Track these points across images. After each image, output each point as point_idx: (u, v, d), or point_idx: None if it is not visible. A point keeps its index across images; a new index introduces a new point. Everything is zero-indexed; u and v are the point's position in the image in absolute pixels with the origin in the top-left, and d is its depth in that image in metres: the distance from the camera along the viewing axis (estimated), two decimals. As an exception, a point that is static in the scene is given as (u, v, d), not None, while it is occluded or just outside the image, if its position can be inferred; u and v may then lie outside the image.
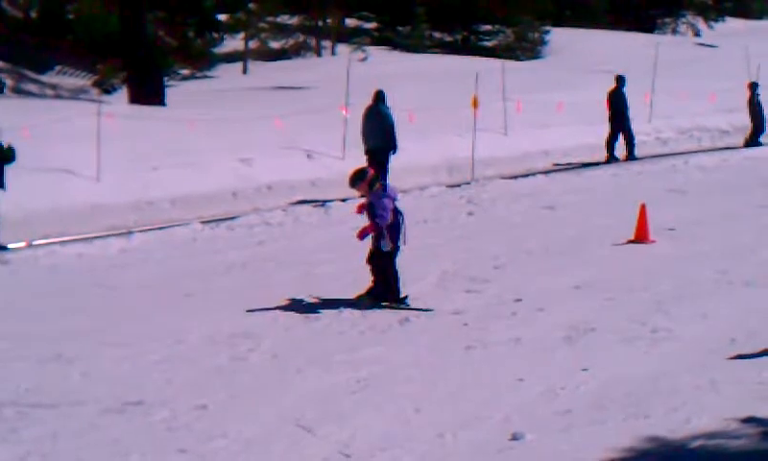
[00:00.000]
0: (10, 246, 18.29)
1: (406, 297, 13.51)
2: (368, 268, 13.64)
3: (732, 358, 10.89)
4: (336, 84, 29.38)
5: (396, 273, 13.53)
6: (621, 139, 28.32)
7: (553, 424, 9.18)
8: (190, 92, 39.99)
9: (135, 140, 24.44)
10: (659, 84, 33.23)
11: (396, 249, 13.55)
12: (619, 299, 13.46)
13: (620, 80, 28.61)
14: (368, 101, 23.08)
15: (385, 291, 13.50)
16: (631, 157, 28.13)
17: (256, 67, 48.37)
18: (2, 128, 19.14)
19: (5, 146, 18.44)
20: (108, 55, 42.04)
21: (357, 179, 13.77)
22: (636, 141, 28.51)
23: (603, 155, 28.22)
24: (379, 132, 22.61)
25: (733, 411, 9.20)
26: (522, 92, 32.13)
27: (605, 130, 28.74)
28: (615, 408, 9.45)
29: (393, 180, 14.12)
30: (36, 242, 18.54)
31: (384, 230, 13.41)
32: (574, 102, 32.99)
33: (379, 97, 23.00)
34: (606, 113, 28.41)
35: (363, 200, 13.82)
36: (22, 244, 18.31)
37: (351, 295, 13.65)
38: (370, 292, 13.60)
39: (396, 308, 13.25)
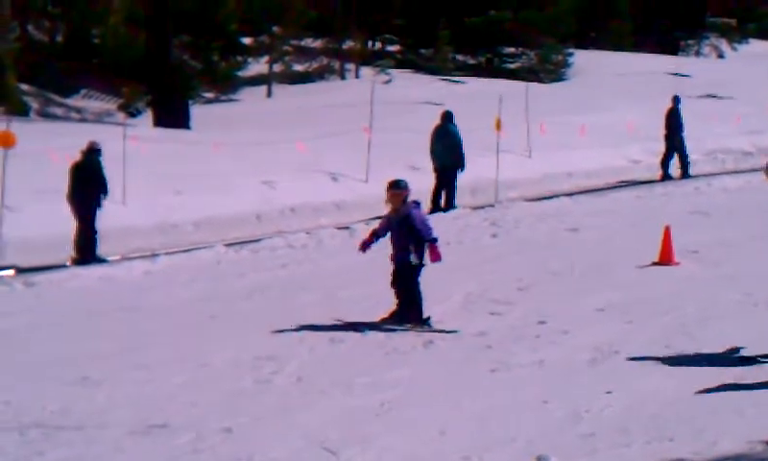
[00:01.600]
0: (109, 258, 18.76)
1: (429, 318, 13.52)
2: (392, 291, 13.66)
3: (756, 381, 10.84)
4: (360, 107, 29.44)
5: (420, 292, 13.53)
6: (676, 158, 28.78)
7: (577, 447, 9.16)
8: (215, 115, 40.13)
9: (160, 163, 24.55)
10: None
11: (420, 266, 13.55)
12: (643, 321, 13.43)
13: (676, 99, 29.07)
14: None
15: (409, 310, 13.48)
16: (685, 175, 28.49)
17: (280, 90, 48.51)
18: (101, 149, 19.48)
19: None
20: (133, 78, 42.24)
21: (396, 186, 13.67)
22: (690, 160, 28.75)
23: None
24: (448, 150, 23.59)
25: (759, 434, 9.17)
26: (546, 114, 32.17)
27: (630, 150, 28.75)
28: (640, 431, 9.43)
29: (420, 200, 14.10)
30: (60, 264, 18.63)
31: (411, 245, 13.42)
32: (598, 124, 33.02)
33: (447, 117, 24.12)
34: (662, 132, 28.79)
35: (366, 236, 13.83)
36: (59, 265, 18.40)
37: (375, 318, 13.66)
38: (394, 315, 13.60)
39: (419, 330, 13.25)
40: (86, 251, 18.99)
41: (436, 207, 23.63)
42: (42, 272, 18.00)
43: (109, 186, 19.54)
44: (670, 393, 10.45)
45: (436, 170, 23.96)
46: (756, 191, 25.56)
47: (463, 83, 46.29)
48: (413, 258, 13.45)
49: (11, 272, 18.18)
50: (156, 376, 11.46)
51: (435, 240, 13.46)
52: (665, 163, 28.58)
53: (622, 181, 28.55)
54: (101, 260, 18.83)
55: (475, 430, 9.59)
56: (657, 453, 8.88)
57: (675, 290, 15.10)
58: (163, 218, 21.53)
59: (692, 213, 21.69)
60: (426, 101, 38.94)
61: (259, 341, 12.83)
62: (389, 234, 13.70)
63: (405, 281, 13.55)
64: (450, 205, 23.88)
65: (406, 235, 13.47)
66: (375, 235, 13.82)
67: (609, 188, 27.14)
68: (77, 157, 19.50)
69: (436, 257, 13.48)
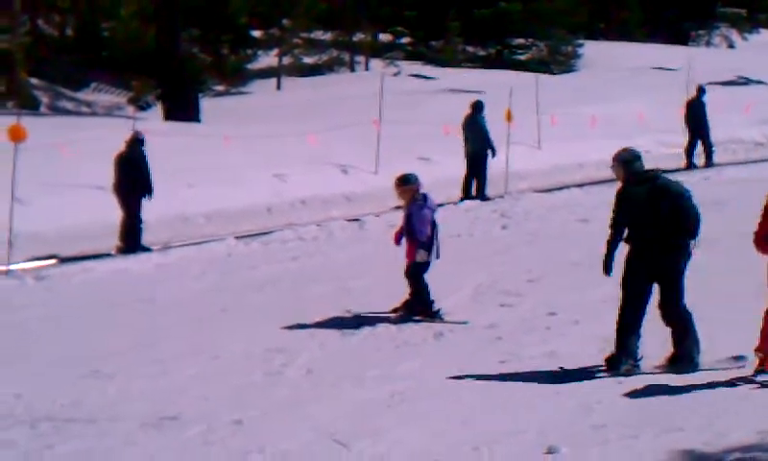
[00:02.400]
0: (153, 248, 19.09)
1: (439, 310, 13.52)
2: (406, 281, 13.68)
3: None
4: (370, 99, 29.43)
5: (426, 286, 13.55)
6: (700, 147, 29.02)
7: (588, 438, 9.16)
8: (225, 108, 40.15)
9: (170, 157, 24.54)
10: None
11: (427, 263, 13.58)
12: (654, 312, 13.39)
13: (700, 90, 29.26)
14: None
15: (418, 304, 13.53)
16: (709, 163, 28.75)
17: (290, 83, 48.50)
18: (144, 139, 19.74)
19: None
20: (142, 72, 42.29)
21: (406, 181, 13.74)
22: (714, 149, 28.91)
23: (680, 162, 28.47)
24: (476, 139, 24.06)
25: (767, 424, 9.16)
26: (556, 105, 32.11)
27: (640, 141, 28.61)
28: (650, 422, 9.42)
29: (430, 191, 14.11)
30: (71, 258, 18.65)
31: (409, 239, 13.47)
32: (608, 115, 32.94)
33: (475, 107, 24.67)
34: (683, 122, 29.03)
35: (398, 226, 13.86)
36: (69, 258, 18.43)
37: (386, 309, 13.67)
38: (406, 304, 13.63)
39: (430, 321, 13.26)
40: (131, 239, 19.29)
41: (467, 195, 24.10)
42: (85, 261, 18.14)
43: (151, 177, 19.71)
44: (681, 383, 10.44)
45: (467, 156, 24.54)
46: (766, 182, 25.50)
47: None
48: (418, 256, 13.48)
49: (52, 261, 18.38)
50: (168, 369, 11.49)
51: (421, 243, 13.47)
52: (690, 152, 28.84)
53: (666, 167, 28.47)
54: (145, 249, 19.09)
55: (486, 422, 9.59)
56: (667, 444, 8.88)
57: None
58: (174, 211, 21.54)
59: (702, 204, 21.58)
60: (437, 90, 38.97)
61: (270, 334, 12.85)
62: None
63: (411, 276, 13.59)
64: (481, 192, 24.26)
65: (407, 232, 13.55)
66: (400, 230, 13.92)
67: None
68: (121, 147, 19.74)
69: (410, 258, 13.52)
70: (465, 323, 13.21)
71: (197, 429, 9.54)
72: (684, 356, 11.01)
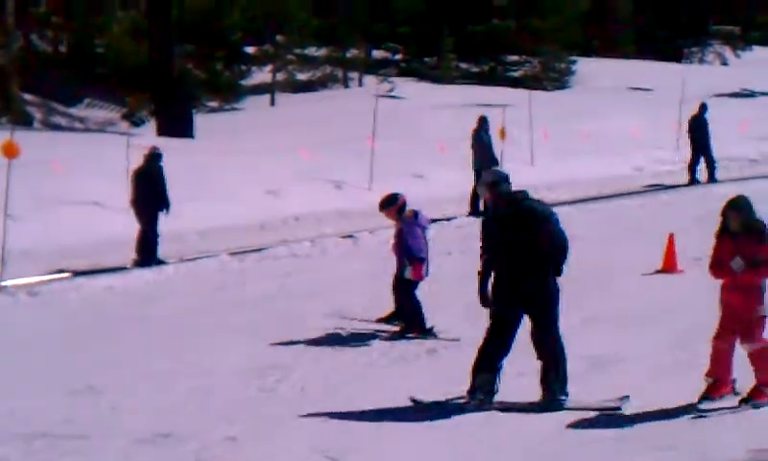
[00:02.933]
0: (169, 261, 19.27)
1: (432, 327, 13.52)
2: (392, 296, 13.71)
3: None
4: (363, 116, 29.47)
5: (418, 303, 13.57)
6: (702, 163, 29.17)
7: (579, 455, 9.17)
8: (218, 124, 40.17)
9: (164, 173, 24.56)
10: (686, 113, 33.14)
11: (417, 281, 13.58)
12: (647, 329, 13.44)
13: (703, 107, 29.44)
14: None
15: (411, 322, 13.52)
16: (712, 179, 28.92)
17: (284, 99, 48.56)
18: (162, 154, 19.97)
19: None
20: (136, 88, 42.30)
21: (387, 204, 13.81)
22: (717, 165, 29.07)
23: (682, 178, 28.63)
24: (480, 154, 24.67)
25: (761, 442, 9.17)
26: (549, 122, 32.16)
27: (634, 158, 28.75)
28: (643, 439, 9.44)
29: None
30: (64, 274, 18.64)
31: (407, 259, 13.49)
32: (601, 131, 33.02)
33: (480, 122, 25.17)
34: (687, 138, 29.24)
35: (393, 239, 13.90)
36: (62, 275, 18.41)
37: (379, 326, 13.69)
38: (389, 318, 13.66)
39: (423, 339, 13.28)
40: (147, 252, 19.45)
41: (475, 210, 24.36)
42: (99, 275, 18.19)
43: (168, 192, 19.97)
44: (674, 400, 10.46)
45: (474, 171, 24.85)
46: (761, 199, 25.54)
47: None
48: (407, 273, 13.51)
49: (66, 274, 18.44)
50: (161, 385, 11.48)
51: (420, 259, 13.51)
52: (693, 168, 29.05)
53: (649, 185, 28.50)
54: (160, 262, 19.24)
55: (479, 438, 9.60)
56: (659, 461, 8.90)
57: (679, 298, 15.10)
58: (167, 227, 21.51)
59: (697, 220, 21.65)
60: (432, 106, 39.03)
61: (263, 350, 12.86)
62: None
63: (402, 294, 13.60)
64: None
65: (401, 250, 13.56)
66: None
67: (612, 196, 27.11)
68: (139, 163, 19.97)
69: (416, 276, 13.55)
70: (456, 340, 13.21)
71: (191, 446, 9.53)
72: (547, 394, 10.30)
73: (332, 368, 12.16)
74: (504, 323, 10.40)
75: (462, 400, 10.46)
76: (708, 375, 10.25)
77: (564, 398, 10.27)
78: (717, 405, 10.13)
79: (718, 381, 10.24)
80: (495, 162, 24.51)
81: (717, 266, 10.36)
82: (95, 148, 26.08)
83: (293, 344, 13.09)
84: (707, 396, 10.17)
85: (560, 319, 10.37)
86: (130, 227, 21.46)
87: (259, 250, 20.28)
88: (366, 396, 10.99)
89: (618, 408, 10.17)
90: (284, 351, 12.83)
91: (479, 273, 10.43)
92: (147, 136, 32.84)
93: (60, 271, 18.74)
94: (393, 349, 12.91)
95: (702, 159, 28.98)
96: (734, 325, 10.21)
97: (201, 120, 39.16)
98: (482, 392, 10.34)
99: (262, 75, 50.97)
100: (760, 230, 10.17)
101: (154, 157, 19.90)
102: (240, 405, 10.79)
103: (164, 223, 19.91)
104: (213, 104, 47.41)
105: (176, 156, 26.34)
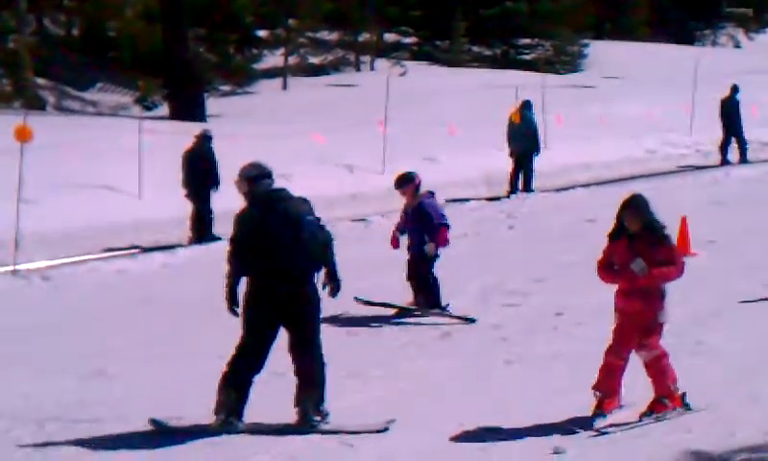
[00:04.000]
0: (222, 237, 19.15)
1: (448, 304, 13.54)
2: (408, 284, 13.70)
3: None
4: (375, 99, 29.43)
5: (436, 279, 13.59)
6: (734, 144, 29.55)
7: (595, 439, 9.15)
8: (230, 108, 40.15)
9: (176, 156, 24.53)
10: (699, 96, 33.07)
11: (435, 256, 13.62)
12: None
13: (734, 89, 29.66)
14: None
15: (426, 297, 13.54)
16: (743, 160, 29.29)
17: (296, 83, 48.50)
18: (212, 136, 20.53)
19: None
20: (148, 72, 42.27)
21: (405, 181, 13.82)
22: (748, 146, 29.23)
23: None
24: (524, 136, 24.85)
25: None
26: (562, 105, 32.08)
27: (647, 141, 28.67)
28: (657, 423, 9.41)
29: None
30: (77, 258, 18.64)
31: (426, 235, 13.51)
32: (614, 114, 32.94)
33: (525, 105, 25.33)
34: (719, 120, 29.40)
35: (395, 227, 13.88)
36: (68, 260, 18.42)
37: (391, 310, 13.68)
38: (410, 306, 13.63)
39: (438, 316, 13.26)
40: (203, 230, 20.01)
41: (514, 190, 24.74)
42: (112, 259, 18.26)
43: (219, 172, 20.30)
44: (687, 384, 10.41)
45: (512, 154, 25.09)
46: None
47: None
48: (427, 249, 13.52)
49: (80, 258, 18.46)
50: (173, 369, 11.49)
51: (446, 225, 13.56)
52: (724, 149, 29.47)
53: (673, 168, 28.45)
54: (216, 239, 19.46)
55: (492, 423, 9.57)
56: (674, 445, 8.87)
57: (692, 281, 14.99)
58: (180, 211, 21.51)
59: (710, 204, 21.62)
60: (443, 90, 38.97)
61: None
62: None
63: (420, 270, 13.62)
64: (528, 186, 25.00)
65: (420, 226, 13.59)
66: (399, 229, 13.95)
67: (626, 179, 27.05)
68: (190, 144, 20.54)
69: (443, 241, 13.62)
70: (472, 320, 13.20)
71: (203, 429, 9.52)
72: (301, 412, 9.54)
73: (344, 351, 12.12)
74: (257, 335, 9.52)
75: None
76: (595, 388, 9.61)
77: (317, 419, 9.49)
78: (620, 420, 9.55)
79: (607, 396, 9.61)
80: (538, 142, 25.14)
81: (608, 269, 9.76)
82: (108, 132, 26.07)
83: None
84: (599, 412, 9.55)
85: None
86: (143, 210, 21.53)
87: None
88: (378, 378, 10.98)
89: (384, 430, 9.43)
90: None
91: (227, 274, 9.59)
92: (159, 120, 32.85)
93: (74, 255, 18.76)
94: (405, 332, 12.91)
95: (733, 141, 29.22)
96: (631, 333, 9.58)
97: (213, 104, 39.17)
98: (227, 411, 9.45)
99: (274, 59, 50.90)
100: (661, 230, 9.67)
101: (205, 139, 20.54)
102: (252, 389, 10.76)
103: (178, 207, 19.90)
104: (225, 87, 47.35)
105: (188, 139, 26.37)
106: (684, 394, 9.66)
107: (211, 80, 44.86)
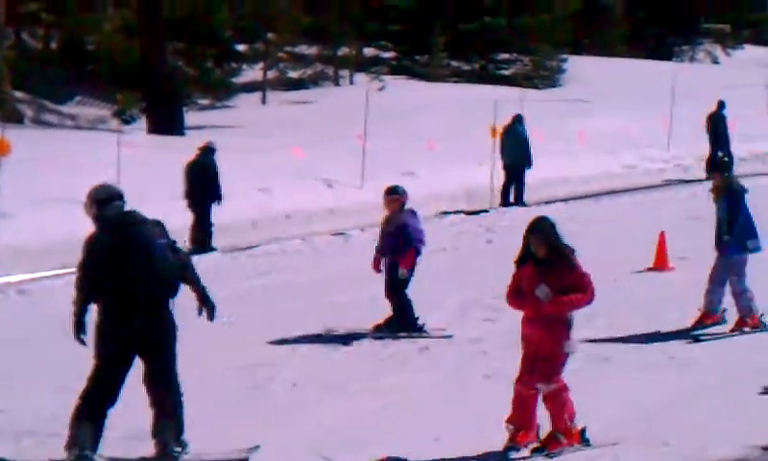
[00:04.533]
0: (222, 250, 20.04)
1: (423, 324, 13.48)
2: (387, 300, 13.65)
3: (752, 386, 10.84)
4: (354, 114, 29.44)
5: (409, 301, 13.50)
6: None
7: (571, 452, 9.14)
8: (209, 122, 40.10)
9: (154, 170, 24.51)
10: (677, 111, 33.19)
11: (409, 276, 13.53)
12: (638, 326, 13.42)
13: (721, 104, 29.91)
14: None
15: (403, 321, 13.46)
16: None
17: (275, 97, 48.51)
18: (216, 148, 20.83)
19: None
20: (127, 85, 42.22)
21: (394, 191, 13.69)
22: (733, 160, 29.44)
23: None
24: (516, 149, 25.37)
25: (754, 439, 9.16)
26: (540, 120, 32.11)
27: (625, 156, 28.76)
28: (634, 436, 9.42)
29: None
30: (55, 272, 18.56)
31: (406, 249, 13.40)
32: (592, 129, 33.02)
33: (517, 119, 25.87)
34: (705, 134, 29.55)
35: (376, 249, 13.80)
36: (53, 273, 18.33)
37: (370, 325, 13.65)
38: (388, 323, 13.57)
39: (416, 337, 13.23)
40: (202, 241, 20.21)
41: (506, 203, 25.07)
42: None
43: (220, 184, 20.76)
44: (664, 397, 10.45)
45: (505, 168, 25.56)
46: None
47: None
48: (400, 274, 13.39)
49: (57, 272, 18.26)
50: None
51: (417, 251, 13.38)
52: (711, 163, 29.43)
53: (651, 182, 28.55)
54: (213, 249, 20.06)
55: (471, 436, 9.57)
56: (650, 458, 8.88)
57: (670, 295, 15.09)
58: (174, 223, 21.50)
59: (688, 219, 21.66)
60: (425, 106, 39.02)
61: (254, 347, 12.82)
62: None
63: (396, 291, 13.51)
64: (520, 199, 25.37)
65: (400, 245, 13.44)
66: (380, 252, 13.80)
67: (604, 194, 27.15)
68: (193, 155, 20.88)
69: (406, 265, 13.35)
70: (449, 336, 13.19)
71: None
72: (158, 445, 9.15)
73: (323, 366, 12.13)
74: (110, 366, 9.11)
75: None
76: (508, 421, 9.24)
77: (177, 449, 9.13)
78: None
79: (521, 428, 9.20)
80: (530, 156, 25.33)
81: (516, 295, 9.33)
82: (86, 145, 25.99)
83: (284, 341, 13.06)
84: (512, 445, 9.17)
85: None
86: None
87: (251, 247, 20.25)
88: (357, 393, 10.96)
89: (245, 459, 9.20)
90: (275, 348, 12.80)
91: (75, 302, 9.18)
92: (138, 134, 32.79)
93: (51, 269, 18.68)
94: (384, 347, 12.88)
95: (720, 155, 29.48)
96: (535, 363, 9.19)
97: (191, 118, 39.10)
98: (81, 445, 8.94)
99: (253, 73, 50.93)
100: (569, 255, 9.22)
101: (208, 151, 20.84)
102: (231, 403, 10.75)
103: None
104: (204, 101, 47.34)
105: (166, 153, 26.34)
106: (583, 429, 9.24)
107: (190, 94, 44.85)
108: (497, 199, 25.71)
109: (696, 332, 13.15)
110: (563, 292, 9.04)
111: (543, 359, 9.15)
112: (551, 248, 9.17)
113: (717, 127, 29.37)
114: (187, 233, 19.96)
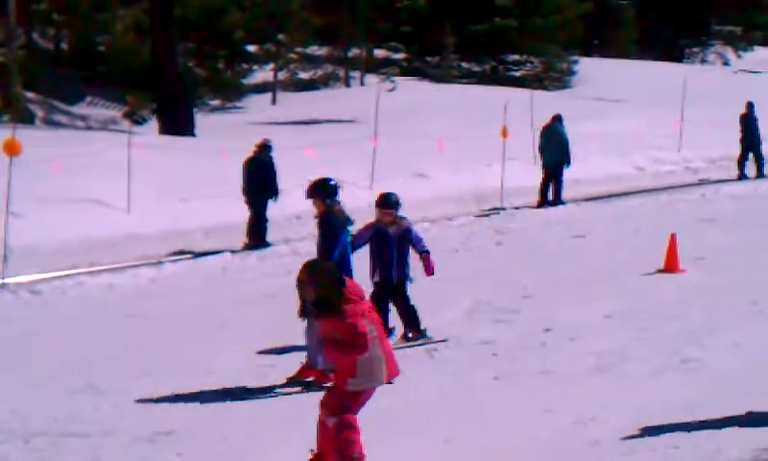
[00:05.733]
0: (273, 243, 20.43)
1: (425, 329, 13.31)
2: (381, 307, 13.53)
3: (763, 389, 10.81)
4: (365, 115, 29.45)
5: (412, 305, 13.32)
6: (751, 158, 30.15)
7: (583, 454, 9.14)
8: (220, 123, 40.15)
9: (165, 171, 24.55)
10: (688, 113, 33.16)
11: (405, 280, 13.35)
12: (650, 329, 13.40)
13: (751, 105, 30.22)
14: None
15: (410, 324, 13.30)
16: (760, 175, 29.90)
17: (285, 98, 48.54)
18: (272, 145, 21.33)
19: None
20: (138, 86, 42.29)
21: (395, 203, 13.64)
22: (765, 161, 30.07)
23: (733, 173, 29.66)
24: (555, 148, 25.69)
25: (764, 442, 9.14)
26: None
27: (635, 158, 28.74)
28: (645, 439, 9.40)
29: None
30: (66, 272, 18.59)
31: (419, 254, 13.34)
32: (603, 131, 32.98)
33: (557, 118, 26.15)
34: (738, 135, 29.90)
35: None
36: (64, 273, 18.36)
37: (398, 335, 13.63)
38: (411, 326, 13.32)
39: (417, 341, 13.09)
40: (258, 237, 20.81)
41: (544, 201, 25.38)
42: (100, 273, 18.14)
43: (278, 182, 21.28)
44: (676, 400, 10.43)
45: (544, 166, 25.88)
46: (763, 198, 25.57)
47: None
48: (410, 279, 13.29)
49: (68, 272, 18.32)
50: (162, 384, 11.45)
51: (428, 252, 13.30)
52: (741, 164, 30.06)
53: (662, 184, 28.52)
54: (268, 245, 20.54)
55: (480, 439, 9.56)
56: (662, 460, 8.87)
57: (681, 297, 15.07)
58: (169, 226, 21.51)
59: (699, 220, 21.65)
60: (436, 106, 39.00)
61: (264, 348, 12.82)
62: (372, 246, 13.59)
63: (403, 296, 13.35)
64: (558, 197, 25.63)
65: (404, 252, 13.32)
66: (353, 245, 13.67)
67: (615, 195, 27.13)
68: (250, 152, 21.37)
69: (430, 271, 13.28)
70: (444, 340, 13.04)
71: (191, 444, 9.51)
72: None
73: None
74: None
75: None
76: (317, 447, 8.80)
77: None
78: None
79: (323, 455, 8.72)
80: (569, 155, 25.56)
81: (332, 345, 8.57)
82: (97, 146, 26.00)
83: (294, 342, 13.05)
84: None
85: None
86: (132, 225, 21.48)
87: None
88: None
89: None
90: (285, 349, 12.79)
91: None
92: (149, 135, 32.83)
93: (62, 269, 18.70)
94: (394, 348, 12.84)
95: (750, 156, 29.52)
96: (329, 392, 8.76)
97: (202, 119, 39.14)
98: None
99: (264, 74, 50.99)
100: (336, 306, 8.45)
101: (264, 148, 21.34)
102: (241, 404, 10.76)
103: (166, 221, 19.85)
104: (215, 102, 47.41)
105: (178, 154, 26.38)
106: None
107: (201, 94, 44.91)
108: (508, 200, 25.69)
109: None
110: (339, 345, 8.43)
111: (336, 391, 8.70)
112: (317, 298, 8.59)
113: (749, 127, 29.72)
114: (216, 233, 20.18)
